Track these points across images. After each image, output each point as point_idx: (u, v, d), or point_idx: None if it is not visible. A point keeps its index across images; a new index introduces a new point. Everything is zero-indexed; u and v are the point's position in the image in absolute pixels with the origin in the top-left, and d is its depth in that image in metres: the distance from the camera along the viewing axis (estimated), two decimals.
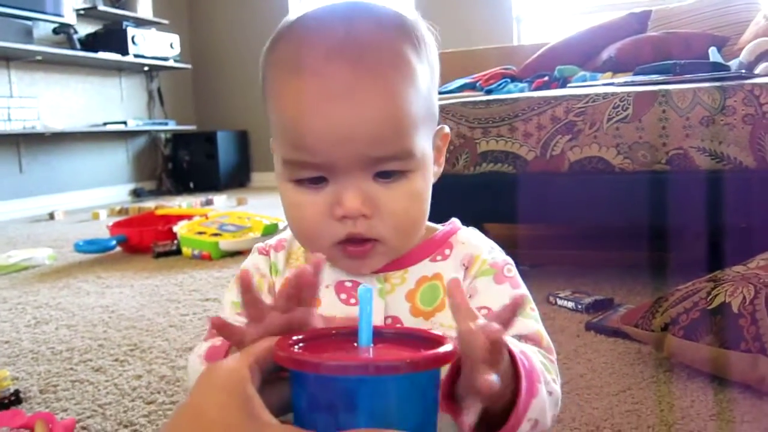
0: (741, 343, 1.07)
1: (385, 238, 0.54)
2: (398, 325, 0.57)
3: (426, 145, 0.55)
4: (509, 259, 0.62)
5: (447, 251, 0.61)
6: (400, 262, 0.60)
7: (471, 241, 0.62)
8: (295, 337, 0.43)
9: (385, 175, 0.52)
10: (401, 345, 0.44)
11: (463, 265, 0.60)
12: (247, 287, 0.46)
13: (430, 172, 0.57)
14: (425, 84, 0.54)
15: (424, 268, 0.60)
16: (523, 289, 0.60)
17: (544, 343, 0.57)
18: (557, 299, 1.63)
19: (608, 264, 1.99)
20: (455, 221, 0.66)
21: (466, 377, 0.43)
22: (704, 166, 1.53)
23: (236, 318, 0.57)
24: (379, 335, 0.44)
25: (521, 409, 0.46)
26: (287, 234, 0.65)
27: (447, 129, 0.61)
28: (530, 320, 0.58)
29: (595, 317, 1.48)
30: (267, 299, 0.54)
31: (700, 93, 1.53)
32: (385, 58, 0.51)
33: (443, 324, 0.58)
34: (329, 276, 0.60)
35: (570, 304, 1.59)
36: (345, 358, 0.40)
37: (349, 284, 0.60)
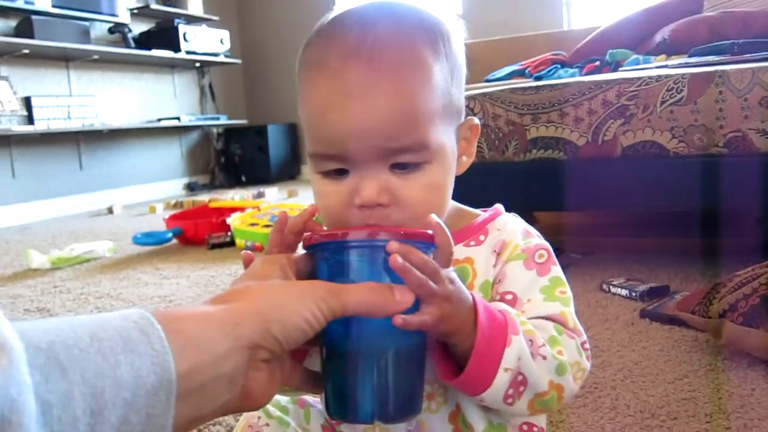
0: None
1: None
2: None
3: (445, 138, 0.57)
4: (545, 245, 0.61)
5: (482, 237, 0.62)
6: None
7: (507, 227, 0.62)
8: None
9: (401, 167, 0.54)
10: None
11: (494, 251, 0.61)
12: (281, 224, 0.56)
13: (450, 164, 0.58)
14: (442, 80, 0.56)
15: (457, 252, 0.60)
16: (553, 274, 0.60)
17: (569, 324, 0.57)
18: (610, 287, 1.60)
19: (664, 250, 1.95)
20: (498, 207, 0.66)
21: None
22: (764, 148, 1.48)
23: None
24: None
25: (481, 350, 0.50)
26: None
27: (476, 120, 0.63)
28: (555, 302, 0.57)
29: (650, 305, 1.46)
30: None
31: (760, 72, 1.48)
32: (397, 58, 0.53)
33: None
34: None
35: (624, 292, 1.56)
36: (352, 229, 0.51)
37: None
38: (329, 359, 0.50)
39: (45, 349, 0.33)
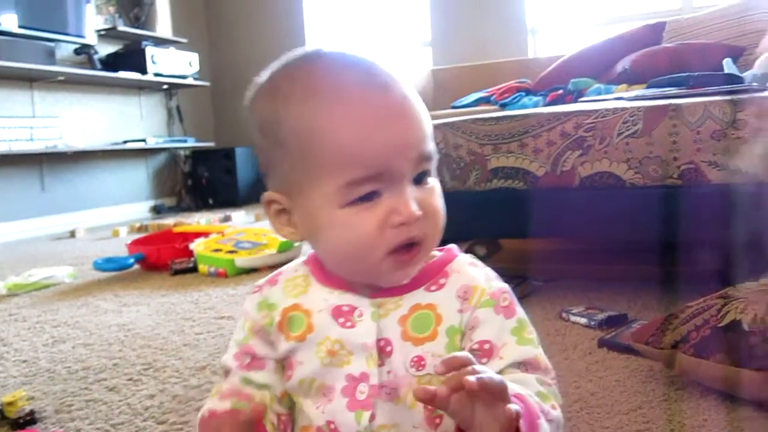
0: (752, 361, 1.06)
1: (428, 237, 0.60)
2: None
3: None
4: (505, 287, 0.64)
5: (442, 280, 0.63)
6: (396, 290, 0.63)
7: (466, 271, 0.64)
8: None
9: (420, 178, 0.60)
10: None
11: (459, 296, 0.62)
12: None
13: None
14: None
15: (419, 296, 0.63)
16: (518, 315, 0.62)
17: (542, 366, 0.60)
18: (570, 315, 1.61)
19: (623, 278, 1.97)
20: (453, 248, 0.68)
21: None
22: (716, 180, 1.52)
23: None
24: None
25: None
26: (283, 268, 0.70)
27: None
28: (528, 346, 0.60)
29: (608, 333, 1.47)
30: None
31: (711, 107, 1.52)
32: (404, 87, 0.61)
33: (434, 353, 0.60)
34: (322, 302, 0.64)
35: (583, 321, 1.58)
36: None
37: (346, 308, 0.63)
38: None
39: None
